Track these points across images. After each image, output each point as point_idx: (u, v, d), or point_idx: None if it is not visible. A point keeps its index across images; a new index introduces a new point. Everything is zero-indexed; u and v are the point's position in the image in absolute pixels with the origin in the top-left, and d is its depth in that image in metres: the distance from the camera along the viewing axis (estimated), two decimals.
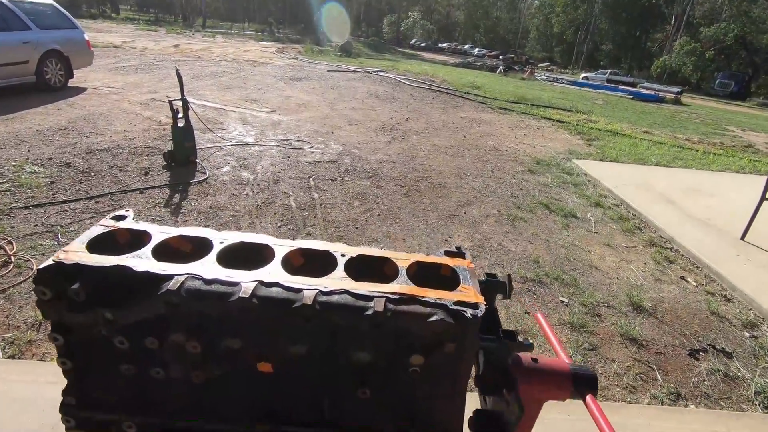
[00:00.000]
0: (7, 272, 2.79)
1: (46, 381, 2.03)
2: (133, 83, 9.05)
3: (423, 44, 53.99)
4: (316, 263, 0.83)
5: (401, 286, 0.75)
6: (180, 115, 4.69)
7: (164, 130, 5.99)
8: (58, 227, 3.37)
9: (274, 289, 0.70)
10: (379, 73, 15.11)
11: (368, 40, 46.51)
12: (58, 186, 4.05)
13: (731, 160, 7.54)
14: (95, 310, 0.68)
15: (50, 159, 4.62)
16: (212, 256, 0.77)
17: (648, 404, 2.23)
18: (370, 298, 0.70)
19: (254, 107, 8.15)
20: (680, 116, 16.23)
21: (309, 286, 0.71)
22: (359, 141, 6.55)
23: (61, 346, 0.72)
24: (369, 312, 0.68)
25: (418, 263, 0.83)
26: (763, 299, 3.24)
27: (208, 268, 0.73)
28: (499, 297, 0.99)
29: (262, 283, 0.71)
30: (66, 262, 0.68)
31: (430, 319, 0.68)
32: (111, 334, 0.70)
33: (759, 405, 2.36)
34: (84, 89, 8.04)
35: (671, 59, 37.51)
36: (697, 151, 7.97)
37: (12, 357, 2.20)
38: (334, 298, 0.70)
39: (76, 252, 0.70)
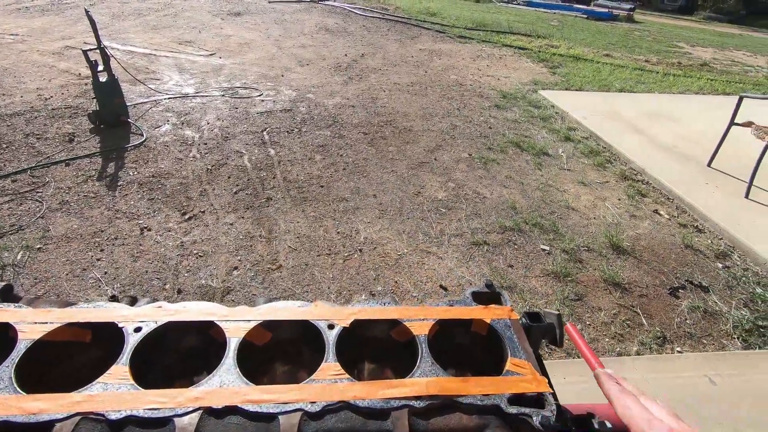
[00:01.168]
0: None
1: None
2: (40, 28, 7.76)
3: None
4: (291, 334, 0.57)
5: (428, 380, 0.50)
6: (100, 67, 4.00)
7: (86, 84, 5.19)
8: None
9: (230, 420, 0.44)
10: (325, 3, 13.80)
11: None
12: None
13: (690, 81, 7.53)
14: None
15: None
16: (123, 360, 0.49)
17: (638, 353, 2.22)
18: (385, 414, 0.45)
19: (190, 50, 7.23)
20: (634, 34, 16.08)
21: (286, 404, 0.45)
22: (313, 84, 5.98)
23: None
24: None
25: (439, 322, 0.58)
26: (732, 227, 3.28)
27: (114, 389, 0.45)
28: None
29: (209, 412, 0.44)
30: None
31: None
32: None
33: (738, 339, 2.40)
34: None
35: None
36: (658, 73, 7.90)
37: None
38: (329, 421, 0.45)
39: None
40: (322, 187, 3.57)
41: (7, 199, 3.07)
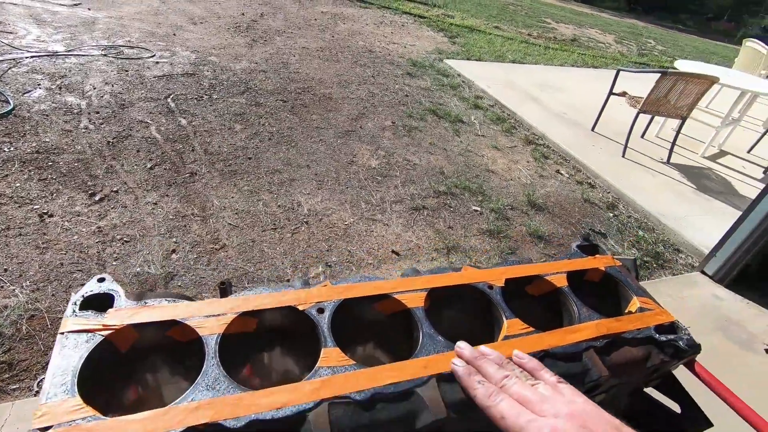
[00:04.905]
0: None
1: None
2: None
3: None
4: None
5: (597, 323, 0.56)
6: None
7: None
8: None
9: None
10: None
11: None
12: None
13: (566, 54, 8.51)
14: None
15: None
16: (329, 343, 0.45)
17: None
18: (578, 356, 0.50)
19: None
20: (509, 8, 17.36)
21: None
22: (214, 45, 5.43)
23: None
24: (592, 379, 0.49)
25: (569, 274, 0.64)
26: (616, 182, 3.91)
27: (342, 371, 0.42)
28: None
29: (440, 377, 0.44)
30: None
31: (650, 364, 0.53)
32: None
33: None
34: None
35: None
36: (540, 46, 8.76)
37: None
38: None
39: (72, 422, 0.32)
40: (249, 159, 3.34)
41: None
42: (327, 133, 3.92)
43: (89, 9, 5.88)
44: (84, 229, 2.42)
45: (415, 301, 0.54)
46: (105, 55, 4.57)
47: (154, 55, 4.78)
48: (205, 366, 0.41)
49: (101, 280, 0.50)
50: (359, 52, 6.28)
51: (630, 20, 24.30)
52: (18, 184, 2.63)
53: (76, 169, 2.85)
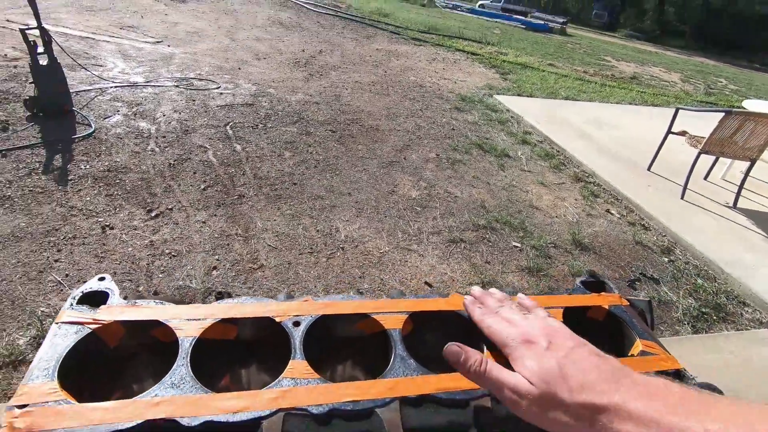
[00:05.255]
0: None
1: None
2: None
3: None
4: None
5: None
6: (40, 49, 3.63)
7: (15, 67, 4.67)
8: None
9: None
10: None
11: None
12: None
13: (624, 92, 8.25)
14: None
15: None
16: (298, 355, 0.46)
17: None
18: None
19: (134, 36, 6.73)
20: (567, 47, 17.23)
21: None
22: (273, 78, 5.81)
23: None
24: None
25: (566, 309, 0.61)
26: (673, 225, 3.65)
27: (304, 383, 0.43)
28: None
29: (404, 401, 0.43)
30: None
31: None
32: None
33: (687, 324, 2.69)
34: None
35: None
36: (596, 83, 8.57)
37: None
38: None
39: (46, 403, 0.35)
40: (295, 184, 3.49)
41: None
42: (371, 163, 4.02)
43: (169, 46, 6.53)
44: (138, 242, 2.61)
45: (393, 322, 0.53)
46: (177, 86, 5.03)
47: (219, 87, 5.19)
48: (175, 365, 0.43)
49: (102, 278, 0.55)
50: (410, 86, 6.46)
51: (699, 59, 23.28)
52: (88, 198, 2.91)
53: (138, 187, 3.11)
